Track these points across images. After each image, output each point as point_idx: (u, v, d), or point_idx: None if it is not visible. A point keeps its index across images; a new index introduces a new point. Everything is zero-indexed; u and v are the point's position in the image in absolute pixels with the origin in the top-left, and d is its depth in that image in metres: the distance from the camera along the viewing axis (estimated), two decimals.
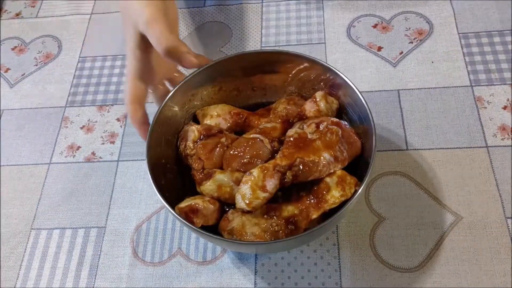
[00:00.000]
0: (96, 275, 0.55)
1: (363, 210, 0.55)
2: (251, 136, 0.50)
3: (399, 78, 0.65)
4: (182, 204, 0.47)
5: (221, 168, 0.49)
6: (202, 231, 0.44)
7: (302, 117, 0.52)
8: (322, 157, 0.46)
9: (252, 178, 0.45)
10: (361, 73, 0.66)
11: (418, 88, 0.63)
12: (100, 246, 0.57)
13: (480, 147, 0.58)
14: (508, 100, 0.61)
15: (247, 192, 0.45)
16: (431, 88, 0.63)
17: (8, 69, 0.75)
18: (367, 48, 0.68)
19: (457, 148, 0.58)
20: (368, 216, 0.55)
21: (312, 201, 0.46)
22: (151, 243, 0.56)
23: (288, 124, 0.52)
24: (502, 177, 0.55)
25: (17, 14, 0.81)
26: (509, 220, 0.53)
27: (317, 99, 0.52)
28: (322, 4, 0.74)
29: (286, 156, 0.46)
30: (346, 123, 0.50)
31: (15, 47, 0.77)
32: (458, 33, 0.67)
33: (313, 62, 0.53)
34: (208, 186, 0.48)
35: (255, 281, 0.52)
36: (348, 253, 0.53)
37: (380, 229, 0.54)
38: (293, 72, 0.55)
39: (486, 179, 0.55)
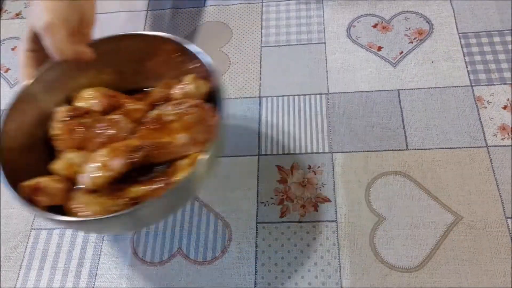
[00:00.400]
0: (96, 275, 0.55)
1: (363, 210, 0.55)
2: (112, 117, 0.50)
3: (399, 78, 0.65)
4: (27, 182, 0.45)
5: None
6: (37, 210, 0.43)
7: (169, 100, 0.52)
8: (177, 139, 0.47)
9: (98, 157, 0.45)
10: (361, 73, 0.66)
11: (418, 88, 0.63)
12: (100, 246, 0.57)
13: (480, 147, 0.58)
14: (508, 99, 0.61)
15: (91, 170, 0.45)
16: (431, 88, 0.63)
17: (8, 69, 0.74)
18: (367, 48, 0.68)
19: (457, 148, 0.58)
20: (368, 216, 0.55)
21: (161, 182, 0.46)
22: (151, 243, 0.56)
23: (154, 106, 0.52)
24: (502, 177, 0.55)
25: (17, 14, 0.81)
26: (509, 220, 0.53)
27: (186, 82, 0.52)
28: (322, 4, 0.74)
29: (141, 137, 0.47)
30: (211, 105, 0.49)
31: (15, 47, 0.77)
32: (458, 33, 0.67)
33: (175, 43, 0.52)
34: (57, 165, 0.47)
35: (255, 281, 0.52)
36: (348, 253, 0.53)
37: (380, 229, 0.54)
38: (168, 55, 0.54)
39: (486, 179, 0.55)
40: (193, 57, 0.52)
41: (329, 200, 0.56)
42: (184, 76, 0.53)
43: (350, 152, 0.59)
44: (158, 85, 0.54)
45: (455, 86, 0.63)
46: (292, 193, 0.58)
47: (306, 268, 0.52)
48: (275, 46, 0.70)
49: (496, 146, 0.57)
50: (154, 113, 0.50)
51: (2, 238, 0.59)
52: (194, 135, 0.47)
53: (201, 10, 0.76)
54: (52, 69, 0.51)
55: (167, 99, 0.52)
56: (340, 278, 0.51)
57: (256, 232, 0.55)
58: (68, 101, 0.54)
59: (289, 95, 0.65)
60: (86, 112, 0.51)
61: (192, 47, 0.51)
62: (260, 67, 0.68)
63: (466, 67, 0.64)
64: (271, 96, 0.65)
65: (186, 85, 0.52)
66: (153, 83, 0.55)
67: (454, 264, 0.51)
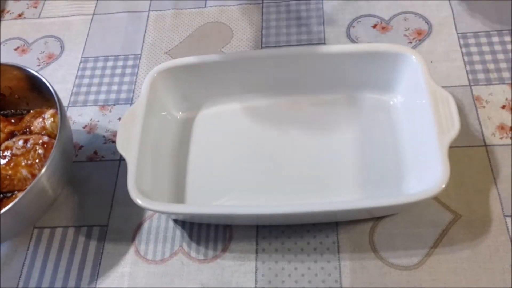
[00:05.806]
0: (98, 273, 0.55)
1: None
2: None
3: None
4: None
5: None
6: None
7: (26, 131, 0.55)
8: (19, 173, 0.50)
9: None
10: None
11: None
12: (103, 245, 0.57)
13: (479, 146, 0.58)
14: (506, 99, 0.61)
15: None
16: None
17: None
18: None
19: (456, 147, 0.58)
20: None
21: None
22: (153, 241, 0.56)
23: (12, 135, 0.55)
24: (501, 176, 0.56)
25: (20, 15, 0.82)
26: (507, 218, 0.53)
27: (45, 117, 0.55)
28: (322, 5, 0.74)
29: None
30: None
31: (18, 47, 0.78)
32: (457, 33, 0.68)
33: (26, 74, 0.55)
34: None
35: (256, 279, 0.53)
36: (348, 251, 0.53)
37: (379, 227, 0.54)
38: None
39: (485, 178, 0.56)
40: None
41: None
42: (46, 110, 0.57)
43: None
44: (31, 112, 0.58)
45: (454, 86, 0.63)
46: None
47: (306, 266, 0.53)
48: (275, 46, 0.71)
49: (494, 145, 0.58)
50: (5, 144, 0.53)
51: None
52: (34, 171, 0.52)
53: (202, 10, 0.77)
54: None
55: (25, 131, 0.56)
56: (340, 276, 0.52)
57: (257, 230, 0.56)
58: None
59: None
60: None
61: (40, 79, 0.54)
62: None
63: (465, 67, 0.64)
64: None
65: (45, 120, 0.55)
66: (33, 108, 0.59)
67: (453, 262, 0.51)
